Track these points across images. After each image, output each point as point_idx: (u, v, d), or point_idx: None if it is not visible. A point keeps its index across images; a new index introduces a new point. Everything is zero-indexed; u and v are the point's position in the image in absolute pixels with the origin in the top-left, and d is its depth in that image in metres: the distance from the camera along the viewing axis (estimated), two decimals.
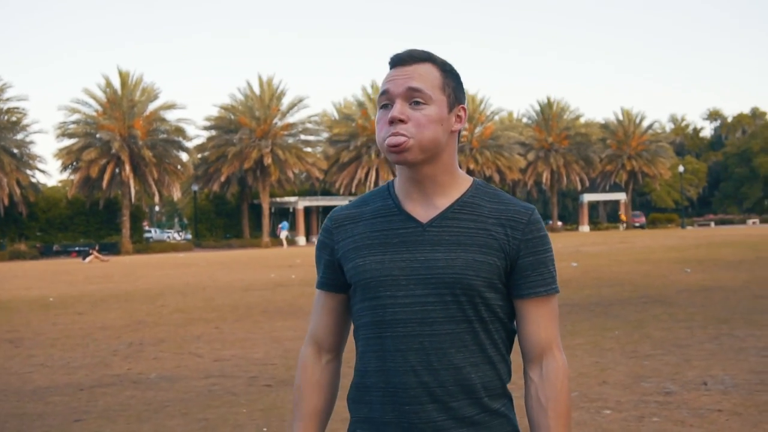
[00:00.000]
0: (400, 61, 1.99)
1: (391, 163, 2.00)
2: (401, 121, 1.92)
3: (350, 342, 2.12)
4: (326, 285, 2.13)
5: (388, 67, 2.02)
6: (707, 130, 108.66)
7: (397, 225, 1.99)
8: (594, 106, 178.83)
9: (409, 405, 1.93)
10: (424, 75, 1.96)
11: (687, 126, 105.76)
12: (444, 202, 2.00)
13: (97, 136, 55.14)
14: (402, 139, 1.92)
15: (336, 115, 68.49)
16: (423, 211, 1.99)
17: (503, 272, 1.98)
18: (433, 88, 1.96)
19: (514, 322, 2.06)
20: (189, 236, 75.44)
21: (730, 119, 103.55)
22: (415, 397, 1.93)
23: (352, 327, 2.14)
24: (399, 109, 1.93)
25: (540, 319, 2.01)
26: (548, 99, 75.00)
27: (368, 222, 2.04)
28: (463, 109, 2.04)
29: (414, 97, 1.94)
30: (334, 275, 2.10)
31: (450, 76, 2.02)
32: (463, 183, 2.04)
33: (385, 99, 1.97)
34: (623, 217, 73.58)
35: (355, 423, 2.06)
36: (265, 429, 6.45)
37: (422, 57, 2.00)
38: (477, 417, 1.95)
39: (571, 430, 1.99)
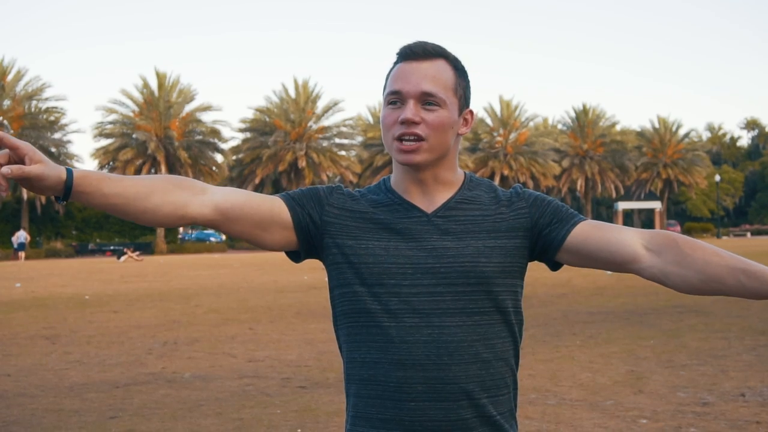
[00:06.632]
0: (413, 55, 1.90)
1: (397, 162, 1.94)
2: (414, 122, 1.86)
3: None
4: (295, 211, 1.94)
5: (396, 57, 1.94)
6: (744, 140, 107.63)
7: (401, 215, 1.92)
8: (630, 113, 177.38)
9: (414, 402, 1.84)
10: (438, 76, 1.89)
11: (724, 135, 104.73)
12: (444, 195, 1.95)
13: (134, 136, 55.76)
14: (414, 141, 1.87)
15: (371, 119, 68.68)
16: (425, 204, 1.94)
17: (528, 244, 1.95)
18: (446, 90, 1.89)
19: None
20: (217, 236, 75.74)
21: (767, 128, 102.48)
22: (422, 393, 1.83)
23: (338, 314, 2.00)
24: (413, 110, 1.86)
25: (602, 228, 1.94)
26: (584, 106, 74.52)
27: (369, 209, 1.96)
28: (471, 113, 1.99)
29: (427, 100, 1.87)
30: (303, 214, 1.94)
31: (462, 75, 1.95)
32: (459, 177, 2.00)
33: (396, 98, 1.89)
34: None
35: (353, 418, 1.95)
36: (299, 430, 6.46)
37: (437, 52, 1.91)
38: (486, 419, 1.87)
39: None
